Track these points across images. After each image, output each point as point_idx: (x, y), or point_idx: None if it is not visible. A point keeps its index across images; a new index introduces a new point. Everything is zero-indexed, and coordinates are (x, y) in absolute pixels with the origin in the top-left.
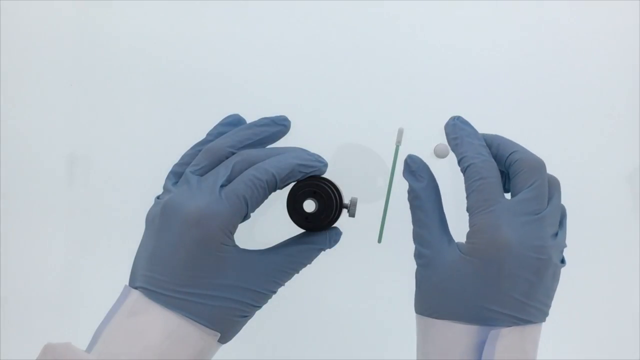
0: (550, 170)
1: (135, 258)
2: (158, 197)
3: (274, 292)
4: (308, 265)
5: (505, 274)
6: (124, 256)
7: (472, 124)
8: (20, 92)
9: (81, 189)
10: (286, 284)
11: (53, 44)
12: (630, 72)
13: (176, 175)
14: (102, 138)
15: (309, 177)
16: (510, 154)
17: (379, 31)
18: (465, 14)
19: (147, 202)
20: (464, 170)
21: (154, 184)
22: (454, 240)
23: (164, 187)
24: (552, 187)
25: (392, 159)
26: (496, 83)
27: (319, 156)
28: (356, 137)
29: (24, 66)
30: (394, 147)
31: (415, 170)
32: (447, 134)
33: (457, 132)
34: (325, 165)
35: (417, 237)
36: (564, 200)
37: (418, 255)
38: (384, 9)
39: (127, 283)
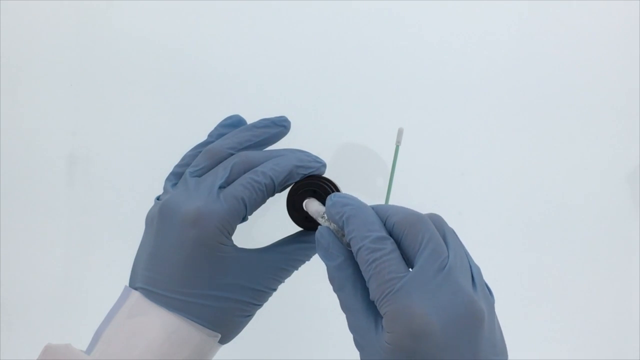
0: (550, 170)
1: (135, 259)
2: (158, 198)
3: (274, 290)
4: (307, 262)
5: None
6: (124, 256)
7: (472, 123)
8: (20, 92)
9: (81, 189)
10: (286, 282)
11: (53, 44)
12: (630, 71)
13: (176, 176)
14: (102, 138)
15: (308, 176)
16: (385, 221)
17: (379, 31)
18: (466, 13)
19: (148, 203)
20: (355, 255)
21: (155, 185)
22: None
23: (164, 188)
24: (439, 226)
25: (392, 159)
26: (495, 83)
27: (317, 157)
28: (356, 137)
29: (24, 66)
30: (394, 147)
31: (327, 247)
32: (331, 216)
33: (339, 208)
34: (324, 165)
35: (347, 320)
36: (565, 201)
37: (353, 339)
38: (384, 8)
39: (127, 284)
